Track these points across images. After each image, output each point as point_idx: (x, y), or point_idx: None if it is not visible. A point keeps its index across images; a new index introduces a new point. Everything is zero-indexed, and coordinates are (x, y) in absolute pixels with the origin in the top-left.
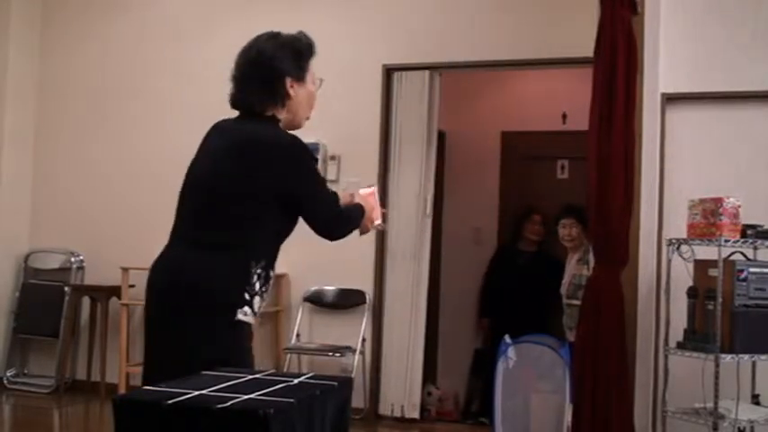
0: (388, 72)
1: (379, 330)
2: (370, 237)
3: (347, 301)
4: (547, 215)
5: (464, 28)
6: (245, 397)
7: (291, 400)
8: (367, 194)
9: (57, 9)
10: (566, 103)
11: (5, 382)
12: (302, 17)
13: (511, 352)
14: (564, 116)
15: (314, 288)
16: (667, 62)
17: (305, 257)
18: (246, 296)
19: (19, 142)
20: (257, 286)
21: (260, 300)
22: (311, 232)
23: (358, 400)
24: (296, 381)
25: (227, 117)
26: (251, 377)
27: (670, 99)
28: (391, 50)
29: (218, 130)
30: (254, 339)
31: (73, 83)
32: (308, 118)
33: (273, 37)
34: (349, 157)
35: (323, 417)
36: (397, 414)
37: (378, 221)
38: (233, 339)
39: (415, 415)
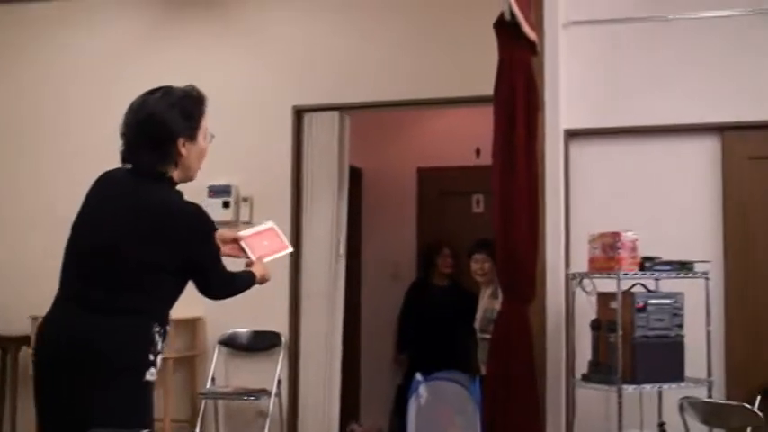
0: (299, 113)
1: (296, 371)
2: (284, 278)
3: (262, 342)
4: (460, 249)
5: (371, 69)
6: None
7: None
8: (261, 232)
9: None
10: (479, 139)
11: None
12: (212, 59)
13: (422, 389)
14: (478, 151)
15: (229, 331)
16: (568, 99)
17: (219, 301)
18: (151, 357)
19: None
20: (159, 346)
21: (161, 357)
22: None
23: None
24: None
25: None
26: None
27: (572, 134)
28: (301, 92)
29: (110, 185)
30: (171, 384)
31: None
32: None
33: (165, 95)
34: (261, 198)
35: None
36: None
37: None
38: (144, 400)
39: None
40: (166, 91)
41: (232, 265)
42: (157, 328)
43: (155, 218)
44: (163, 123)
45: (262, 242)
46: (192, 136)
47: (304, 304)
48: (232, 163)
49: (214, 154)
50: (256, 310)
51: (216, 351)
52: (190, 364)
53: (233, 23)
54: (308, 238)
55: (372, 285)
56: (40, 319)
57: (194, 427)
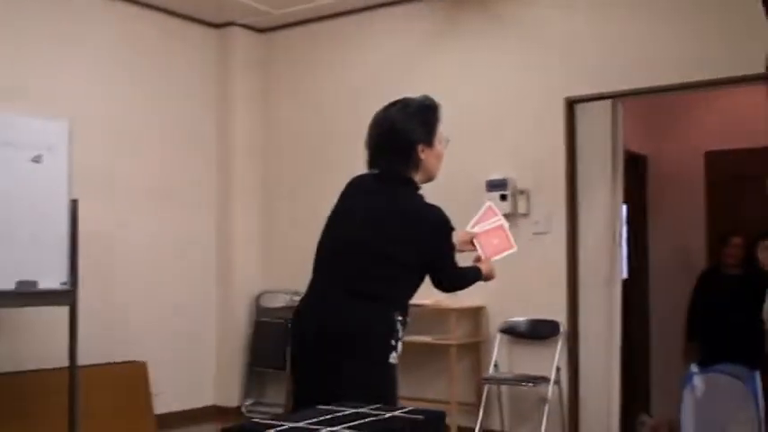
0: (570, 104)
1: (576, 359)
2: (561, 267)
3: (541, 331)
4: (751, 237)
5: (643, 55)
6: (326, 429)
7: None
8: (491, 230)
9: (275, 69)
10: None
11: (244, 410)
12: (484, 61)
13: (697, 381)
14: None
15: (509, 319)
16: None
17: (500, 290)
18: (393, 342)
19: (248, 197)
20: (400, 333)
21: (401, 344)
22: (505, 267)
23: (556, 429)
24: (387, 415)
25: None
26: (352, 411)
27: None
28: (571, 83)
29: (361, 187)
30: (456, 369)
31: (292, 139)
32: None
33: (404, 106)
34: (537, 190)
35: None
36: None
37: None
38: (390, 379)
39: None
40: (405, 103)
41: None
42: (399, 317)
43: (403, 219)
44: (403, 132)
45: (492, 240)
46: (429, 142)
47: (582, 293)
48: (508, 157)
49: (490, 150)
50: (535, 300)
51: (497, 339)
52: (474, 350)
53: (503, 24)
54: (585, 228)
55: (661, 273)
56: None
57: (478, 410)
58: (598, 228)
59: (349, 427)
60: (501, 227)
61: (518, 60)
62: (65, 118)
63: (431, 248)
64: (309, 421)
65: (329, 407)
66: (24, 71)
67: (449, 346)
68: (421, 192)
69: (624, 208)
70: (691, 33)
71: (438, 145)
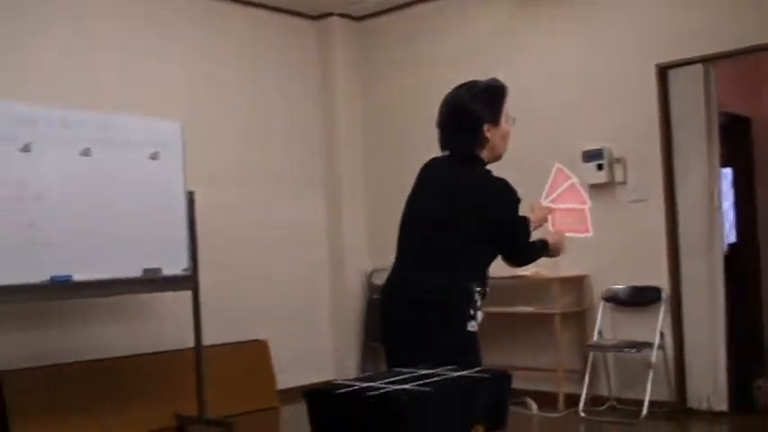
0: (662, 71)
1: (679, 324)
2: (661, 233)
3: (643, 297)
4: None
5: (734, 16)
6: (396, 387)
7: (427, 390)
8: (570, 209)
9: (374, 55)
10: None
11: None
12: (576, 26)
13: None
14: None
15: (611, 287)
16: None
17: (602, 258)
18: (472, 312)
19: (354, 177)
20: (478, 303)
21: (480, 313)
22: (605, 236)
23: (663, 393)
24: (455, 374)
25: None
26: (426, 372)
27: None
28: (663, 48)
29: (435, 169)
30: (561, 337)
31: (393, 121)
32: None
33: (470, 88)
34: (633, 157)
35: (469, 405)
36: (705, 407)
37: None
38: (470, 346)
39: (724, 408)
40: (472, 84)
41: None
42: (477, 288)
43: (471, 191)
44: (470, 112)
45: (567, 218)
46: (495, 121)
47: (683, 259)
48: (603, 127)
49: (585, 121)
50: (637, 267)
51: (600, 306)
52: (578, 318)
53: None
54: (682, 194)
55: None
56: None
57: (584, 377)
58: (696, 193)
59: (416, 385)
60: (583, 210)
61: (608, 29)
62: (177, 116)
63: (498, 218)
64: (382, 381)
65: (405, 369)
66: (136, 76)
67: (553, 315)
68: (487, 168)
69: (728, 172)
70: None
71: (504, 124)
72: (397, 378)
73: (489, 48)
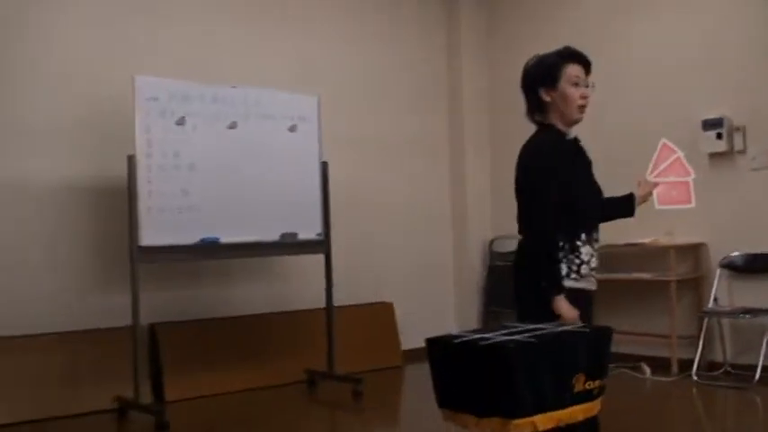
0: None
1: None
2: None
3: (762, 265)
4: None
5: None
6: (505, 338)
7: (533, 341)
8: (675, 183)
9: (501, 18)
10: None
11: None
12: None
13: None
14: None
15: (729, 254)
16: None
17: (720, 226)
18: (565, 268)
19: (478, 147)
20: (565, 260)
21: (583, 267)
22: (724, 205)
23: None
24: (558, 329)
25: None
26: (533, 327)
27: None
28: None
29: None
30: (677, 304)
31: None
32: (581, 113)
33: (535, 57)
34: (753, 126)
35: (573, 356)
36: None
37: None
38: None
39: None
40: (537, 55)
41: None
42: (561, 245)
43: (518, 159)
44: (528, 79)
45: (671, 191)
46: (551, 85)
47: None
48: (721, 95)
49: (705, 92)
50: (755, 235)
51: (717, 273)
52: (695, 285)
53: None
54: None
55: None
56: None
57: (698, 342)
58: None
59: (524, 337)
60: (687, 183)
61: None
62: (314, 91)
63: (517, 179)
64: (494, 333)
65: (514, 323)
66: (276, 52)
67: (668, 282)
68: (549, 132)
69: None
70: None
71: (565, 86)
72: (508, 331)
73: (611, 18)
